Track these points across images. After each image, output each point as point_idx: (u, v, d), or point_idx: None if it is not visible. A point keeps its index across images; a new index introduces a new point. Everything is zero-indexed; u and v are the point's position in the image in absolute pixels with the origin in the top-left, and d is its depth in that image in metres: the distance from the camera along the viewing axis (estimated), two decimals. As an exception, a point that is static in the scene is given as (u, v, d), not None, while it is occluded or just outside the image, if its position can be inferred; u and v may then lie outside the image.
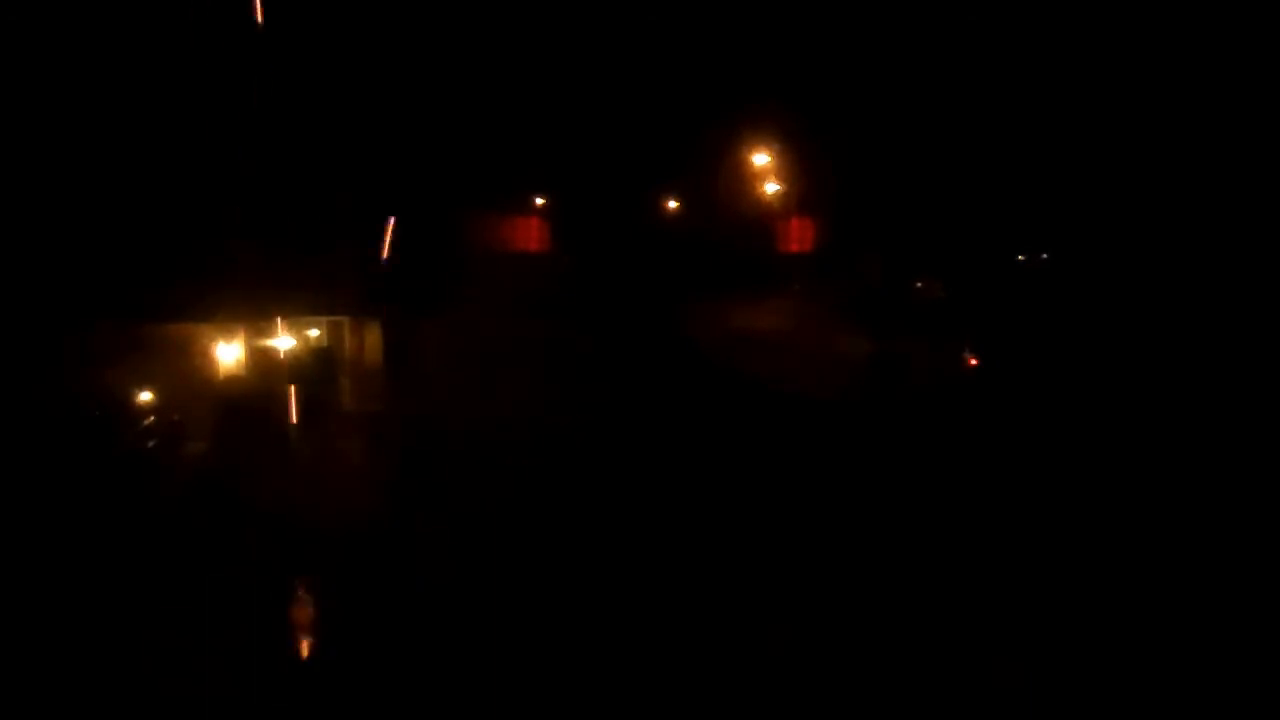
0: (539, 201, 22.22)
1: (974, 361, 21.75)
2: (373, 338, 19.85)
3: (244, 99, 19.02)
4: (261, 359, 18.82)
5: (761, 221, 23.35)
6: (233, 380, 18.41)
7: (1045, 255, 22.75)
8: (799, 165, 23.18)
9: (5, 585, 14.48)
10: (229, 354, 18.39)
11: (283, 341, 18.96)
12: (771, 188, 23.44)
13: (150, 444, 17.60)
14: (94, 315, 18.07)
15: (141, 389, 17.80)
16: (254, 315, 18.98)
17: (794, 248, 23.18)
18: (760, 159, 23.39)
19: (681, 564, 14.35)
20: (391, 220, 20.19)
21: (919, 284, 22.95)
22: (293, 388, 18.64)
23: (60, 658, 13.07)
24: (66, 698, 12.61)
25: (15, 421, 16.76)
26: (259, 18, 19.04)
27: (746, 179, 23.32)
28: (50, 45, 18.49)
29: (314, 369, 19.02)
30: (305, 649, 13.18)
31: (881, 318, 21.81)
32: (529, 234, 21.94)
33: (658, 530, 15.38)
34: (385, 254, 20.08)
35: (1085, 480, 16.54)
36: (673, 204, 23.43)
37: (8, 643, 13.22)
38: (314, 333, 19.36)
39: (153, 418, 17.83)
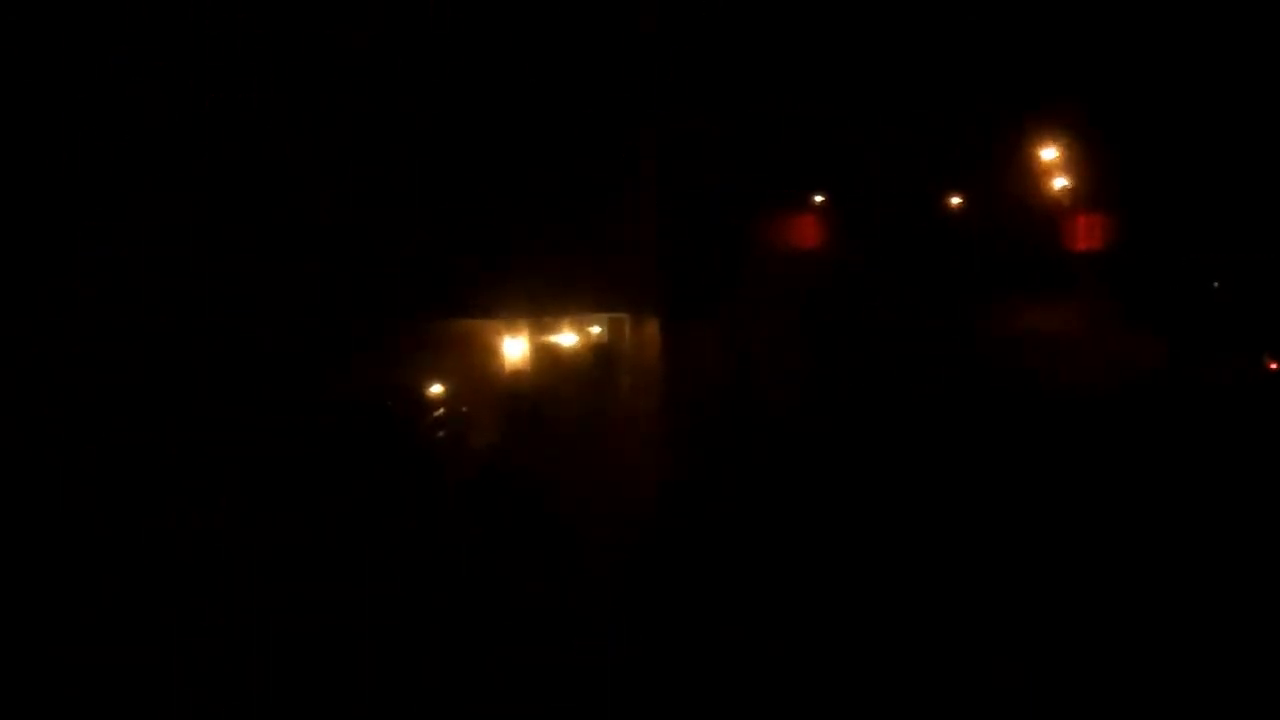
0: (819, 199, 22.06)
1: (1276, 366, 20.75)
2: (652, 335, 20.08)
3: (538, 97, 19.54)
4: (545, 354, 19.28)
5: (1049, 218, 22.63)
6: (518, 375, 18.91)
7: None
8: (1089, 159, 22.39)
9: (303, 572, 15.22)
10: (514, 349, 18.90)
11: (565, 338, 19.40)
12: (1059, 183, 22.71)
13: (440, 435, 18.27)
14: (388, 312, 18.82)
15: (432, 382, 18.49)
16: (537, 311, 19.45)
17: (1084, 245, 22.37)
18: (1048, 153, 22.69)
19: (953, 575, 14.11)
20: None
21: (1217, 283, 21.91)
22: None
23: (357, 645, 13.67)
24: (362, 685, 13.17)
25: (316, 413, 17.64)
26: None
27: (1033, 174, 22.66)
28: (359, 48, 19.30)
29: (594, 366, 19.39)
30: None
31: (1177, 319, 20.96)
32: (808, 232, 21.80)
33: (953, 537, 15.14)
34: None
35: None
36: (956, 200, 22.93)
37: (307, 633, 13.90)
38: (595, 329, 19.72)
39: (442, 410, 18.48)
